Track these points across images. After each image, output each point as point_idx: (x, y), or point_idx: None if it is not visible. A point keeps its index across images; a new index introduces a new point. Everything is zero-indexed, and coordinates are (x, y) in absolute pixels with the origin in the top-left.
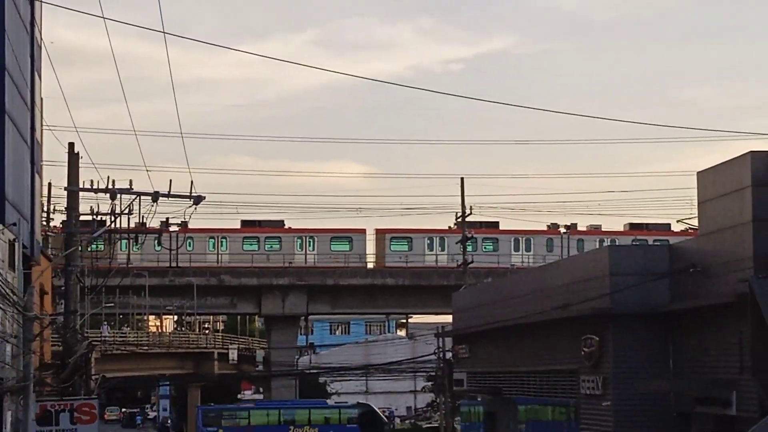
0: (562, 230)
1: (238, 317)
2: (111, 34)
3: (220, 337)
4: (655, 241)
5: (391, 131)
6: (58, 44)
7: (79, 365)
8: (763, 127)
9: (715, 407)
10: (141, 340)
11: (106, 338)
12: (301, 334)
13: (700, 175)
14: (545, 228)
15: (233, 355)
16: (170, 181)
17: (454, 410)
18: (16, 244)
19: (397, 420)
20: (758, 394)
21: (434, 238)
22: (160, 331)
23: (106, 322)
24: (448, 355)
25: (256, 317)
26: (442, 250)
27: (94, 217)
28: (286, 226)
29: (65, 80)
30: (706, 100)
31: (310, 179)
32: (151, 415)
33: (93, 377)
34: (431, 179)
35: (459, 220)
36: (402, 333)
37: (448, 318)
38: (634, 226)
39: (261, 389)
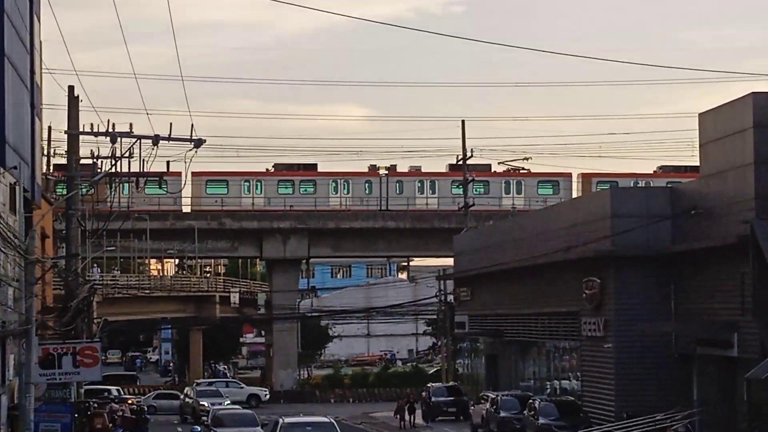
0: (382, 172)
1: (240, 261)
2: None
3: (221, 281)
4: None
5: (392, 74)
6: None
7: (81, 309)
8: (764, 68)
9: (716, 349)
10: (143, 284)
11: (96, 281)
12: (302, 278)
13: (702, 116)
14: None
15: (235, 298)
16: (170, 124)
17: (456, 353)
18: (17, 187)
19: (399, 363)
20: (759, 336)
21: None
22: (161, 274)
23: (96, 264)
24: (450, 298)
25: (258, 260)
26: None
27: (95, 160)
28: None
29: (64, 23)
30: (706, 41)
31: (310, 122)
32: (153, 358)
33: (95, 320)
34: (432, 122)
35: (459, 162)
36: (403, 276)
37: (450, 261)
38: (453, 167)
39: (263, 332)
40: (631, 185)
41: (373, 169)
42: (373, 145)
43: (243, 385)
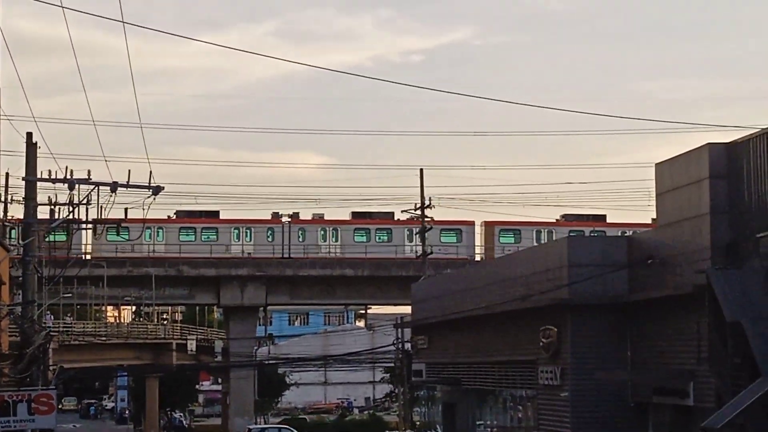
0: (285, 219)
1: (197, 308)
2: (69, 23)
3: (178, 328)
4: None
5: (350, 122)
6: (16, 33)
7: (37, 356)
8: (720, 119)
9: (672, 398)
10: (99, 331)
11: (52, 329)
12: (259, 325)
13: (659, 166)
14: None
15: (192, 345)
16: (129, 171)
17: (413, 401)
18: None
19: (356, 410)
20: (715, 385)
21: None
22: (118, 321)
23: (49, 312)
24: (407, 345)
25: (215, 308)
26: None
27: (53, 207)
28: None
29: (23, 69)
30: (662, 92)
31: (268, 170)
32: (109, 405)
33: (51, 368)
34: (390, 170)
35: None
36: (361, 324)
37: (408, 309)
38: (357, 215)
39: (220, 380)
40: (534, 232)
41: (276, 216)
42: (330, 193)
43: None
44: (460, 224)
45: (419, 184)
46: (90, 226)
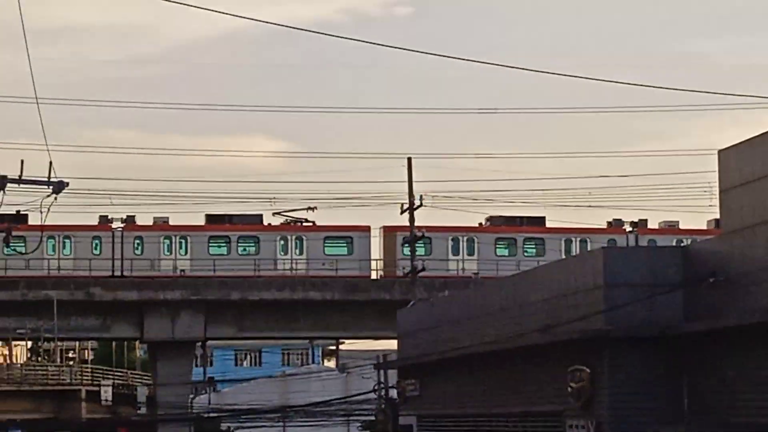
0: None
1: (114, 343)
2: None
3: (89, 370)
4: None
5: (315, 97)
6: None
7: None
8: None
9: None
10: None
11: None
12: (196, 366)
13: (723, 154)
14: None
15: (107, 393)
16: (21, 162)
17: None
18: None
19: None
20: None
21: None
22: (8, 362)
23: None
24: (392, 392)
25: (137, 343)
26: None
27: None
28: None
29: None
30: (725, 54)
31: (209, 160)
32: None
33: None
34: (369, 159)
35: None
36: (331, 364)
37: (392, 344)
38: (213, 219)
39: None
40: (449, 240)
41: (105, 221)
42: (288, 189)
43: None
44: (351, 230)
45: (407, 178)
46: None
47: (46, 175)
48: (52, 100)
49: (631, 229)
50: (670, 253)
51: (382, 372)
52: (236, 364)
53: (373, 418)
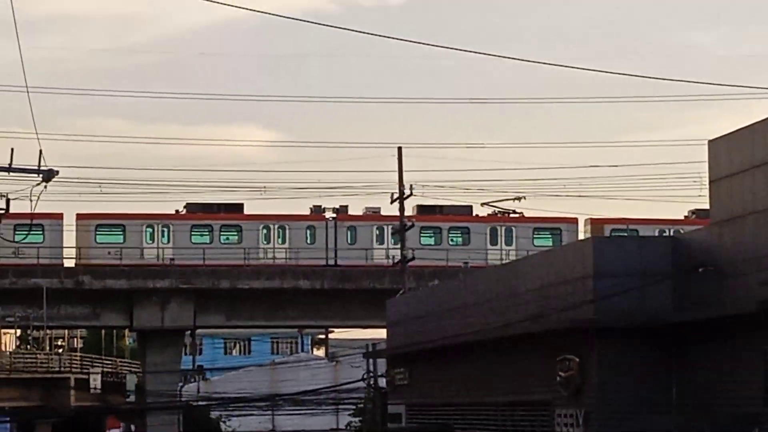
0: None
1: (103, 332)
2: None
3: (78, 358)
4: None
5: (307, 87)
6: None
7: None
8: None
9: None
10: None
11: None
12: (186, 355)
13: (713, 144)
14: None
15: (96, 381)
16: (12, 150)
17: None
18: None
19: None
20: None
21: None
22: None
23: None
24: (381, 381)
25: (127, 332)
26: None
27: None
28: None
29: None
30: (719, 46)
31: (202, 149)
32: None
33: None
34: (360, 149)
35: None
36: (320, 353)
37: (382, 333)
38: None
39: (133, 426)
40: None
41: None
42: (279, 179)
43: None
44: (43, 217)
45: (397, 167)
46: None
47: (37, 163)
48: (44, 89)
49: (331, 216)
50: (660, 244)
51: (371, 361)
52: (225, 353)
53: (362, 406)
